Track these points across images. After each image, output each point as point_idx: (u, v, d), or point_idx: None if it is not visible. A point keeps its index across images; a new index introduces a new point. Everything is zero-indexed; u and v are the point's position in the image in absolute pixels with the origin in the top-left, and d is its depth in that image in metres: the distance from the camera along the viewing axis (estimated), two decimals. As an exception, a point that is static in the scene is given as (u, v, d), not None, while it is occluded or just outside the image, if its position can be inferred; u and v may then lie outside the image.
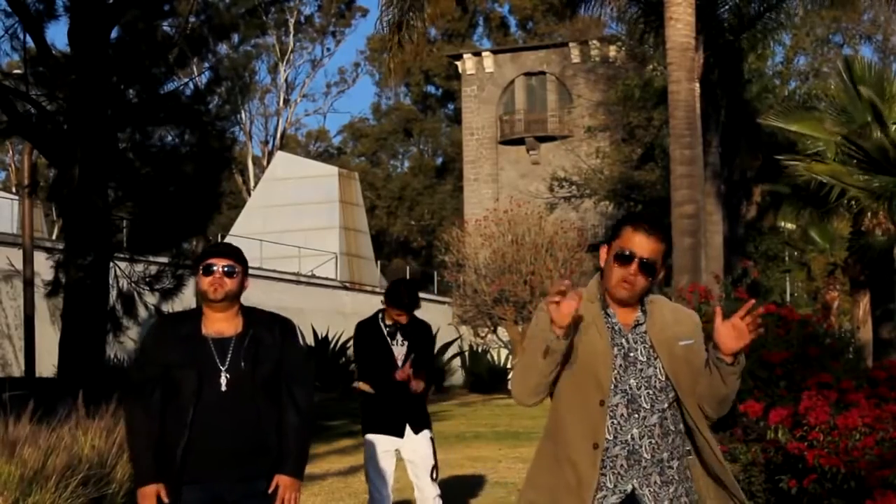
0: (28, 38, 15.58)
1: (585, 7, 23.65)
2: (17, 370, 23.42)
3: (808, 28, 37.34)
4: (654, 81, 32.27)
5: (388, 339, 7.02)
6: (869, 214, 17.24)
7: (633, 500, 3.66)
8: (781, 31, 25.74)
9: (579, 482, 3.64)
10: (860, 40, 42.16)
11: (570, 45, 47.77)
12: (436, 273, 37.81)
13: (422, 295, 7.23)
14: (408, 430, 6.94)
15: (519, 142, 49.01)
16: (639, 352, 3.70)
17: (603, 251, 3.75)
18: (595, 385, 3.66)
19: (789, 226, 24.10)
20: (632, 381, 3.67)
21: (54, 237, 31.66)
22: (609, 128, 41.58)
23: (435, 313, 26.59)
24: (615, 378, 3.66)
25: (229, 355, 4.47)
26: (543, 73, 49.26)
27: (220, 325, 4.53)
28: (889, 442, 8.55)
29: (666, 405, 3.68)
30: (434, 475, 7.02)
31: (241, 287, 4.56)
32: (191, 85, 17.91)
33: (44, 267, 17.72)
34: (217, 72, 17.58)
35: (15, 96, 15.25)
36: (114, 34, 15.73)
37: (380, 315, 7.14)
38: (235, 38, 18.63)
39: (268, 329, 4.56)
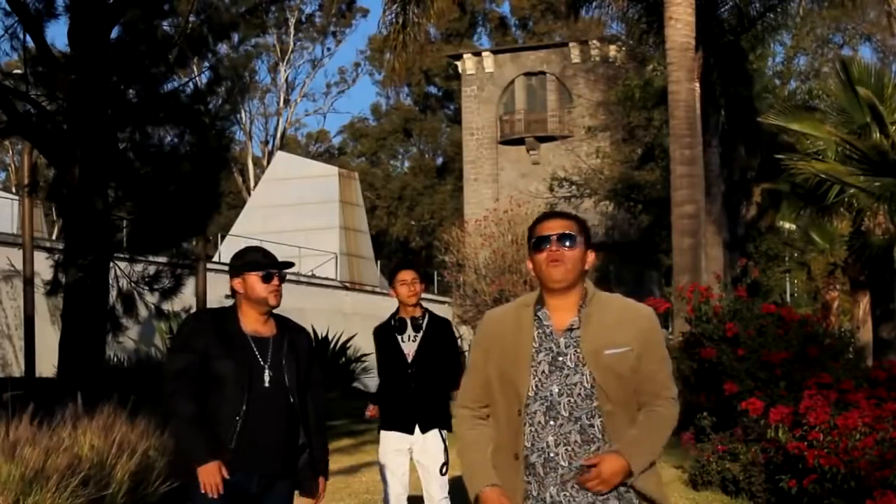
0: (28, 38, 15.56)
1: (587, 8, 23.69)
2: (17, 370, 23.41)
3: (809, 28, 37.31)
4: (654, 81, 32.26)
5: (396, 334, 6.89)
6: (869, 214, 17.23)
7: None
8: (782, 30, 25.75)
9: (508, 492, 3.66)
10: (860, 40, 42.13)
11: (570, 45, 47.78)
12: (436, 273, 37.80)
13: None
14: (417, 429, 6.84)
15: (519, 142, 48.99)
16: (568, 357, 3.65)
17: (529, 263, 3.79)
18: (514, 394, 3.66)
19: (789, 226, 24.08)
20: (554, 387, 3.64)
21: (54, 237, 31.65)
22: (609, 128, 41.57)
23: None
24: (536, 385, 3.65)
25: (269, 354, 4.76)
26: (543, 73, 49.25)
27: (258, 325, 4.83)
28: (889, 442, 8.55)
29: (586, 413, 3.61)
30: (443, 471, 6.96)
31: None
32: (191, 85, 17.89)
33: (44, 267, 17.69)
34: (217, 72, 17.53)
35: (15, 96, 15.21)
36: (114, 34, 15.70)
37: (392, 316, 7.01)
38: (235, 37, 18.60)
39: (298, 335, 4.92)
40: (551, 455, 3.61)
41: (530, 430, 3.63)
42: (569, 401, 3.62)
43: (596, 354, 3.62)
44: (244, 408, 4.64)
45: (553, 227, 3.70)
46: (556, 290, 3.70)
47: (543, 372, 3.65)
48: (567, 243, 3.67)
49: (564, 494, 3.61)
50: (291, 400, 4.75)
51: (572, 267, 3.67)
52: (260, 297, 4.77)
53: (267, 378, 4.72)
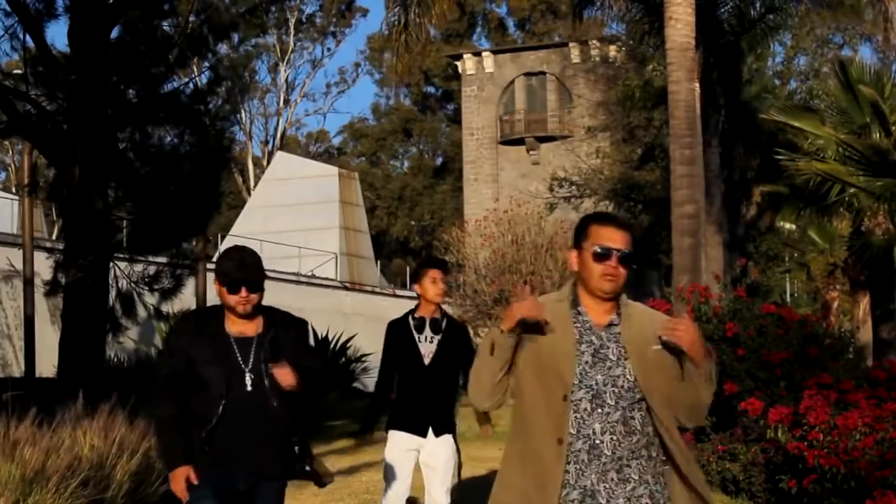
0: (28, 38, 15.56)
1: (589, 9, 23.70)
2: (17, 370, 23.40)
3: (809, 28, 37.31)
4: (654, 81, 32.24)
5: (415, 333, 6.75)
6: (869, 214, 17.24)
7: (592, 496, 3.68)
8: (782, 31, 25.75)
9: (545, 478, 3.68)
10: (860, 40, 42.11)
11: (570, 45, 47.79)
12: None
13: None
14: (430, 432, 6.74)
15: (519, 142, 49.00)
16: (610, 350, 3.74)
17: (573, 255, 3.83)
18: (557, 380, 3.71)
19: (789, 226, 24.11)
20: (599, 377, 3.72)
21: (54, 237, 31.63)
22: (609, 128, 41.53)
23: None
24: (581, 373, 3.72)
25: (251, 355, 4.71)
26: (543, 73, 49.26)
27: (242, 325, 4.77)
28: (889, 442, 8.56)
29: (629, 404, 3.71)
30: (458, 475, 6.90)
31: (263, 295, 4.81)
32: (191, 85, 17.88)
33: (44, 267, 17.68)
34: (217, 72, 17.51)
35: (15, 96, 15.21)
36: (114, 34, 15.70)
37: (409, 314, 6.86)
38: (235, 37, 18.58)
39: (286, 330, 4.82)
40: (596, 442, 3.68)
41: (575, 417, 3.70)
42: (614, 390, 3.71)
43: (642, 348, 3.74)
44: (220, 412, 4.62)
45: (618, 241, 3.77)
46: (599, 297, 3.80)
47: (587, 362, 3.73)
48: (626, 263, 3.76)
49: (604, 485, 3.67)
50: (274, 401, 4.66)
51: (622, 282, 3.79)
52: (228, 306, 4.73)
53: (248, 381, 4.67)
